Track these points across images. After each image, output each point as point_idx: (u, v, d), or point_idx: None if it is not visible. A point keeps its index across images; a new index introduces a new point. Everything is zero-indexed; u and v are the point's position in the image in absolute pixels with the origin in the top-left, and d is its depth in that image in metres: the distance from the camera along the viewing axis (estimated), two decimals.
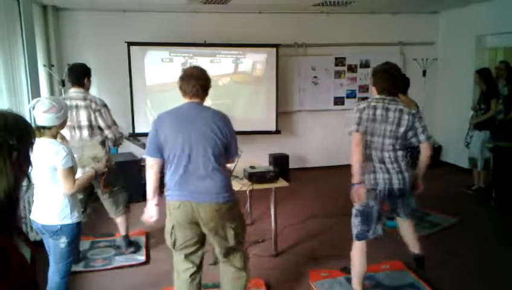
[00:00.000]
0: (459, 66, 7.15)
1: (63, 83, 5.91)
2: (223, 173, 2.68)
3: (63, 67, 6.00)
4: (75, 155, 2.86)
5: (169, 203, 2.68)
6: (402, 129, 2.95)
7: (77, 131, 3.72)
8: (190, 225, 2.66)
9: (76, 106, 3.69)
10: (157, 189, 2.76)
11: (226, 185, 2.67)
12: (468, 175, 6.24)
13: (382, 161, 2.95)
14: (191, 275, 2.79)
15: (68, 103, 3.62)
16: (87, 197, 3.81)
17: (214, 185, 2.60)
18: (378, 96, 3.02)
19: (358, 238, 3.07)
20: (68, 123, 3.58)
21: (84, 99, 3.72)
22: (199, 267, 2.83)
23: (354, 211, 3.10)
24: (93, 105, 3.72)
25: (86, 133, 3.72)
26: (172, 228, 2.70)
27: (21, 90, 4.65)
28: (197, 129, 2.59)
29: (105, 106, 3.79)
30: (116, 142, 3.89)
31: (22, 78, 4.68)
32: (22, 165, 1.32)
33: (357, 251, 3.09)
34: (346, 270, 3.58)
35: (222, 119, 2.66)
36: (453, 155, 7.40)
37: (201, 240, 2.79)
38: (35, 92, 4.78)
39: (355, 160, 2.94)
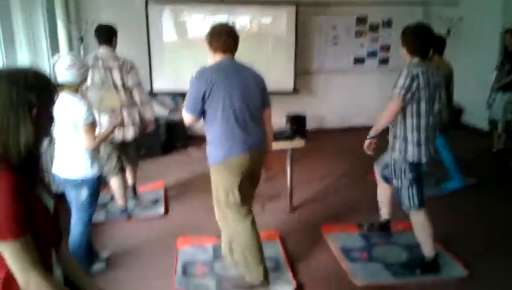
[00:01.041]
0: (484, 25, 6.90)
1: (81, 40, 5.92)
2: (263, 126, 2.82)
3: (81, 24, 5.99)
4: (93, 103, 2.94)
5: (228, 157, 2.66)
6: (437, 92, 2.93)
7: (97, 88, 3.70)
8: (245, 176, 2.71)
9: (109, 67, 3.69)
10: None
11: (265, 135, 2.83)
12: (488, 138, 6.15)
13: (426, 128, 2.90)
14: (252, 220, 2.82)
15: (101, 63, 3.69)
16: (122, 155, 3.92)
17: (261, 135, 2.77)
18: (415, 60, 2.91)
19: (422, 205, 3.03)
20: (99, 82, 3.66)
21: (116, 59, 3.73)
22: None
23: (406, 183, 3.00)
24: (126, 65, 3.72)
25: (121, 94, 3.71)
26: (232, 185, 2.69)
27: (40, 47, 4.68)
28: (242, 84, 2.65)
29: (134, 66, 3.80)
30: (144, 104, 3.87)
31: (41, 35, 4.70)
32: (42, 122, 1.34)
33: (423, 220, 3.05)
34: (362, 226, 3.64)
35: (259, 75, 2.79)
36: (473, 117, 7.27)
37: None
38: (55, 49, 4.81)
39: (382, 123, 3.00)
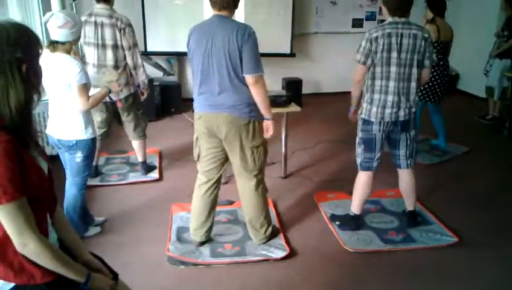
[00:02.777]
0: None
1: None
2: (244, 89, 2.63)
3: None
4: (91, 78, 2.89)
5: (195, 114, 2.81)
6: (416, 56, 2.84)
7: (101, 50, 3.60)
8: (211, 138, 2.77)
9: (102, 24, 3.55)
10: None
11: (244, 102, 2.65)
12: (483, 104, 6.15)
13: (395, 93, 2.86)
14: (207, 190, 2.91)
15: (93, 19, 3.56)
16: (110, 117, 3.85)
17: (231, 99, 2.64)
18: (390, 19, 2.84)
19: (363, 168, 3.10)
20: (92, 41, 3.56)
21: (110, 17, 3.57)
22: (216, 184, 2.94)
23: (357, 140, 3.10)
24: (119, 23, 3.57)
25: (110, 52, 3.60)
26: (196, 139, 2.85)
27: (32, 4, 4.54)
28: (216, 43, 2.56)
29: (130, 25, 3.63)
30: (136, 67, 3.72)
31: None
32: (31, 78, 1.30)
33: (361, 181, 3.13)
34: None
35: (241, 31, 2.53)
36: (470, 84, 7.24)
37: (223, 158, 2.88)
38: (47, 6, 4.67)
39: (355, 91, 3.02)
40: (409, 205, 3.27)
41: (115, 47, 3.62)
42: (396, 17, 2.84)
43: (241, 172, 2.86)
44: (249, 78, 2.59)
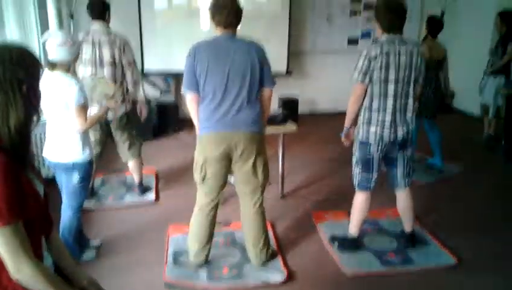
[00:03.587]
0: (479, 8, 6.84)
1: (71, 16, 5.78)
2: (257, 104, 2.72)
3: (71, 0, 5.84)
4: (86, 92, 2.87)
5: (203, 136, 2.71)
6: (413, 73, 2.86)
7: (98, 67, 3.61)
8: (222, 159, 2.71)
9: (99, 42, 3.58)
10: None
11: (260, 117, 2.72)
12: (479, 123, 6.17)
13: (392, 111, 2.86)
14: (209, 212, 2.88)
15: (91, 38, 3.58)
16: (104, 136, 3.83)
17: (250, 116, 2.66)
18: (385, 36, 2.85)
19: (360, 188, 3.09)
20: (88, 58, 3.57)
21: (108, 34, 3.61)
22: (217, 206, 2.92)
23: (354, 160, 3.09)
24: (118, 41, 3.60)
25: (108, 69, 3.61)
26: (204, 161, 2.73)
27: (30, 23, 4.56)
28: (234, 62, 2.59)
29: (128, 43, 3.68)
30: (135, 83, 3.75)
31: (31, 12, 4.58)
32: (31, 99, 1.31)
33: (359, 202, 3.12)
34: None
35: (257, 50, 2.68)
36: (465, 102, 7.28)
37: (226, 178, 2.87)
38: (44, 26, 4.69)
39: (351, 110, 2.96)
40: (407, 226, 3.26)
41: (113, 64, 3.63)
42: (391, 33, 2.85)
43: (248, 189, 2.85)
44: (268, 91, 2.77)
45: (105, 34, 3.60)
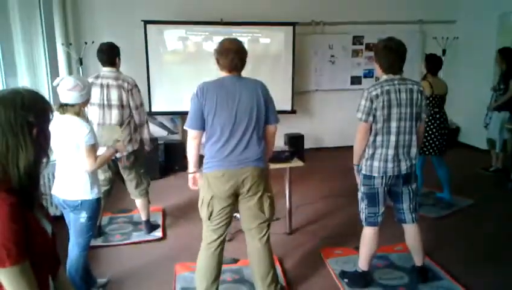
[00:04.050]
0: (480, 45, 6.99)
1: (80, 62, 5.97)
2: (263, 141, 2.78)
3: (80, 45, 6.05)
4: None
5: (210, 174, 2.72)
6: (414, 110, 2.90)
7: (107, 110, 3.69)
8: (229, 196, 2.73)
9: (108, 85, 3.68)
10: (198, 160, 2.82)
11: (263, 153, 2.77)
12: (486, 156, 6.17)
13: (395, 146, 2.88)
14: (215, 249, 2.85)
15: (100, 81, 3.68)
16: (113, 175, 3.88)
17: (256, 152, 2.71)
18: (385, 76, 2.91)
19: (368, 223, 3.07)
20: (97, 101, 3.66)
21: (117, 78, 3.71)
22: (223, 243, 2.90)
23: (360, 195, 3.09)
24: (126, 85, 3.70)
25: (115, 112, 3.69)
26: (211, 198, 2.74)
27: (40, 69, 4.71)
28: (241, 100, 2.66)
29: (136, 86, 3.78)
30: (141, 125, 3.84)
31: (41, 57, 4.73)
32: (41, 142, 1.34)
33: (367, 237, 3.09)
34: (358, 249, 3.62)
35: (262, 89, 2.76)
36: (471, 136, 7.31)
37: (231, 216, 2.86)
38: (54, 71, 4.83)
39: (358, 148, 2.99)
40: (418, 260, 3.21)
41: (121, 107, 3.71)
42: (390, 74, 2.91)
43: (254, 225, 2.84)
44: (273, 128, 2.84)
45: (113, 78, 3.71)
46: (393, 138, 2.89)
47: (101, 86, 3.68)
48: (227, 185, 2.68)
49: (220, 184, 2.69)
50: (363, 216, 3.09)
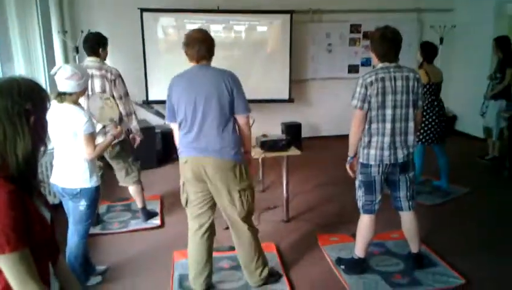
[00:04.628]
0: (477, 33, 6.97)
1: (77, 50, 5.93)
2: (230, 131, 2.73)
3: (77, 34, 6.01)
4: (93, 111, 2.96)
5: (180, 160, 2.82)
6: (411, 97, 2.91)
7: (98, 96, 3.63)
8: (198, 182, 2.78)
9: (92, 75, 3.65)
10: None
11: (232, 144, 2.73)
12: (482, 145, 6.20)
13: (392, 134, 2.90)
14: (201, 236, 2.88)
15: None
16: (104, 164, 3.89)
17: (218, 142, 2.70)
18: (381, 64, 2.92)
19: (365, 211, 3.09)
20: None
21: (100, 69, 3.70)
22: (209, 230, 2.91)
23: (357, 183, 3.11)
24: (109, 75, 3.70)
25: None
26: (183, 184, 2.84)
27: (36, 58, 4.68)
28: (204, 90, 2.67)
29: (119, 76, 3.77)
30: (128, 115, 3.82)
31: (37, 46, 4.71)
32: (38, 130, 1.35)
33: (364, 225, 3.12)
34: (355, 236, 3.65)
35: (228, 77, 2.71)
36: (467, 125, 7.34)
37: (211, 202, 2.87)
38: (51, 59, 4.81)
39: (353, 137, 2.99)
40: (414, 247, 3.24)
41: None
42: (386, 62, 2.92)
43: (230, 216, 2.87)
44: (242, 118, 2.77)
45: (97, 68, 3.70)
46: (388, 125, 2.89)
47: None
48: (191, 171, 2.75)
49: (186, 169, 2.78)
50: (360, 204, 3.11)
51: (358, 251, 3.19)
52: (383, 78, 2.84)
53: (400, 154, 2.94)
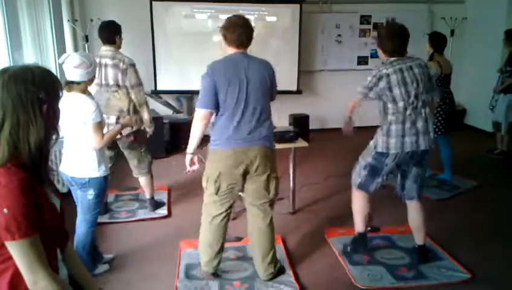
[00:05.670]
0: (489, 26, 6.88)
1: (86, 39, 5.95)
2: (270, 120, 2.82)
3: (86, 22, 6.02)
4: (101, 104, 2.96)
5: (221, 150, 2.75)
6: (428, 84, 2.92)
7: (104, 89, 3.70)
8: (238, 174, 2.76)
9: (105, 64, 3.67)
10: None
11: (271, 133, 2.82)
12: (491, 139, 6.15)
13: (413, 122, 2.90)
14: (221, 220, 2.90)
15: (98, 60, 3.64)
16: (116, 154, 3.92)
17: (264, 132, 2.75)
18: (391, 58, 2.92)
19: (360, 187, 3.15)
20: (96, 81, 3.66)
21: (113, 58, 3.68)
22: (230, 212, 2.95)
23: (363, 163, 3.11)
24: (121, 64, 3.67)
25: (113, 90, 3.69)
26: (218, 175, 2.77)
27: (46, 46, 4.71)
28: (250, 79, 2.68)
29: (132, 65, 3.73)
30: (140, 105, 3.80)
31: (48, 34, 4.72)
32: (51, 118, 1.36)
33: (357, 200, 3.19)
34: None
35: (269, 68, 2.80)
36: (477, 118, 7.27)
37: (238, 189, 2.89)
38: (61, 48, 4.84)
39: (350, 109, 3.21)
40: (419, 239, 3.24)
41: (117, 86, 3.70)
42: (395, 56, 2.92)
43: (259, 203, 2.88)
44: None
45: (110, 58, 3.69)
46: (408, 112, 2.89)
47: (100, 65, 3.65)
48: (238, 163, 2.72)
49: (231, 161, 2.73)
50: (358, 180, 3.14)
51: (358, 226, 3.25)
52: (400, 69, 2.86)
53: (422, 142, 2.93)
